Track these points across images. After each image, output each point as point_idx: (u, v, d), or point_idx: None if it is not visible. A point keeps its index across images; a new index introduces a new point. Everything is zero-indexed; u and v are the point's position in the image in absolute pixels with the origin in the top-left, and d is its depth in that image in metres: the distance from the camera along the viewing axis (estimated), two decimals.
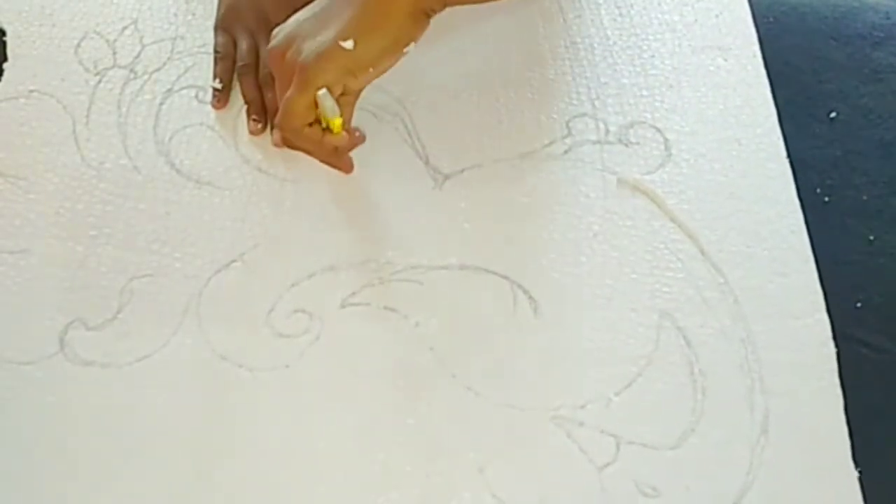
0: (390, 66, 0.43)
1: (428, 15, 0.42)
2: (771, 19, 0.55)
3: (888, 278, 0.45)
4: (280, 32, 0.44)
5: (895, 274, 0.45)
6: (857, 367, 0.42)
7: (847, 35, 0.54)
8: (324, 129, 0.45)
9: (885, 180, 0.48)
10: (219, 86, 0.50)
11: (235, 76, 0.51)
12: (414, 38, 0.42)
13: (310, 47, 0.41)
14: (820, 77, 0.52)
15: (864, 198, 0.47)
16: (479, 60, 0.53)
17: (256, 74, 0.50)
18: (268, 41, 0.50)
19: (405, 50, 0.43)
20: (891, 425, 0.41)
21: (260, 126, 0.49)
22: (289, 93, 0.42)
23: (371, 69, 0.42)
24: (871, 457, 0.39)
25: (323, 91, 0.42)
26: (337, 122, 0.43)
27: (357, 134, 0.46)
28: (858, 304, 0.43)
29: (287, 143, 0.48)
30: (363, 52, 0.41)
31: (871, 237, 0.46)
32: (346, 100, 0.44)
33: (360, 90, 0.44)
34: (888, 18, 0.55)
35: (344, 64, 0.41)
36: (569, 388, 0.42)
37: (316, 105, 0.42)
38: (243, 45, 0.50)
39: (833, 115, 0.51)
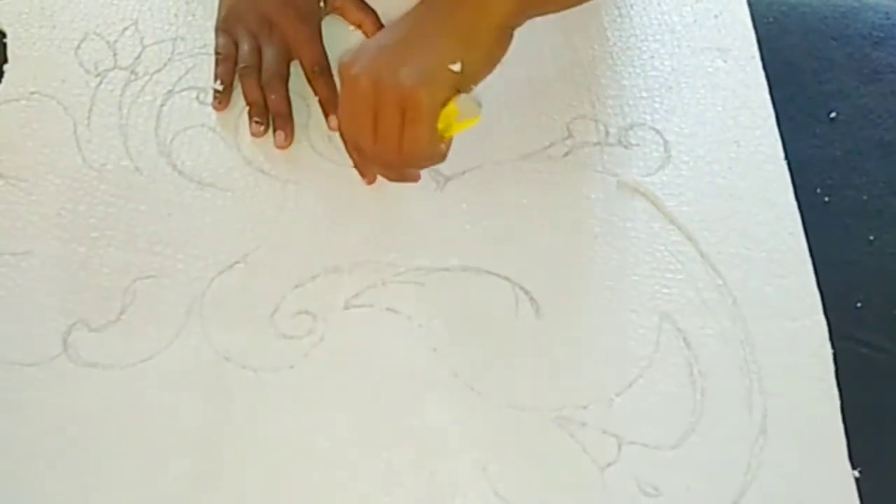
0: (483, 80, 0.42)
1: (513, 29, 0.42)
2: (771, 19, 0.55)
3: (888, 278, 0.45)
4: (358, 59, 0.40)
5: (895, 274, 0.45)
6: (856, 367, 0.42)
7: (847, 35, 0.54)
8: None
9: (885, 180, 0.49)
10: (220, 87, 0.50)
11: (237, 78, 0.51)
12: (505, 52, 0.42)
13: (412, 74, 0.39)
14: (820, 77, 0.53)
15: (864, 198, 0.48)
16: None
17: (259, 76, 0.50)
18: (272, 43, 0.50)
19: (495, 67, 0.42)
20: (890, 425, 0.41)
21: (262, 128, 0.49)
22: (408, 130, 0.40)
23: (472, 86, 0.42)
24: (870, 456, 0.40)
25: (464, 95, 0.41)
26: (476, 121, 0.42)
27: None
28: (858, 304, 0.44)
29: (364, 165, 0.46)
30: (468, 72, 0.40)
31: (871, 237, 0.46)
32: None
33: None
34: (888, 18, 0.55)
35: (452, 85, 0.40)
36: (571, 389, 0.42)
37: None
38: (245, 46, 0.50)
39: (833, 115, 0.51)
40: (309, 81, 0.50)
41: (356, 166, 0.47)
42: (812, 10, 0.56)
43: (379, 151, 0.41)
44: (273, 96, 0.49)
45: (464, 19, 0.40)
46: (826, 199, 0.48)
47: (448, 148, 0.42)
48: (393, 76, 0.39)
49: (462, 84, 0.41)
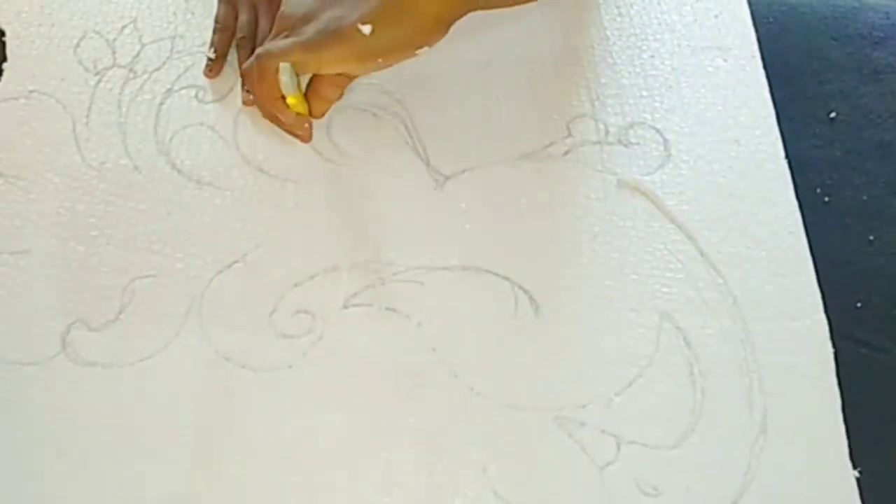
0: (396, 63, 0.43)
1: (449, 23, 0.42)
2: (771, 19, 0.55)
3: (888, 278, 0.45)
4: (294, 1, 0.43)
5: (895, 274, 0.45)
6: (856, 367, 0.42)
7: (847, 35, 0.54)
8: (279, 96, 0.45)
9: (885, 180, 0.49)
10: (212, 55, 0.50)
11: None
12: (430, 42, 0.42)
13: (326, 17, 0.40)
14: (820, 77, 0.52)
15: (864, 198, 0.48)
16: (480, 61, 0.53)
17: (254, 46, 0.49)
18: (269, 14, 0.50)
19: (417, 52, 0.42)
20: (891, 425, 0.41)
21: (252, 98, 0.49)
22: (286, 38, 0.41)
23: (379, 60, 0.42)
24: (870, 457, 0.40)
25: (287, 65, 0.41)
26: (292, 100, 0.43)
27: (307, 125, 0.46)
28: (858, 304, 0.44)
29: (245, 75, 0.47)
30: (379, 41, 0.40)
31: (871, 237, 0.46)
32: (339, 81, 0.44)
33: (354, 78, 0.44)
34: (888, 18, 0.55)
35: (354, 46, 0.40)
36: (570, 389, 0.42)
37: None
38: (244, 16, 0.50)
39: (833, 115, 0.51)
40: None
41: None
42: (812, 10, 0.56)
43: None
44: None
45: None
46: (826, 199, 0.47)
47: (288, 117, 0.45)
48: (312, 18, 0.41)
49: (366, 51, 0.41)
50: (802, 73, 0.53)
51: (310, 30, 0.41)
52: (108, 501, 0.39)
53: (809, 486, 0.40)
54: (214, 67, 0.50)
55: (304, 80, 0.46)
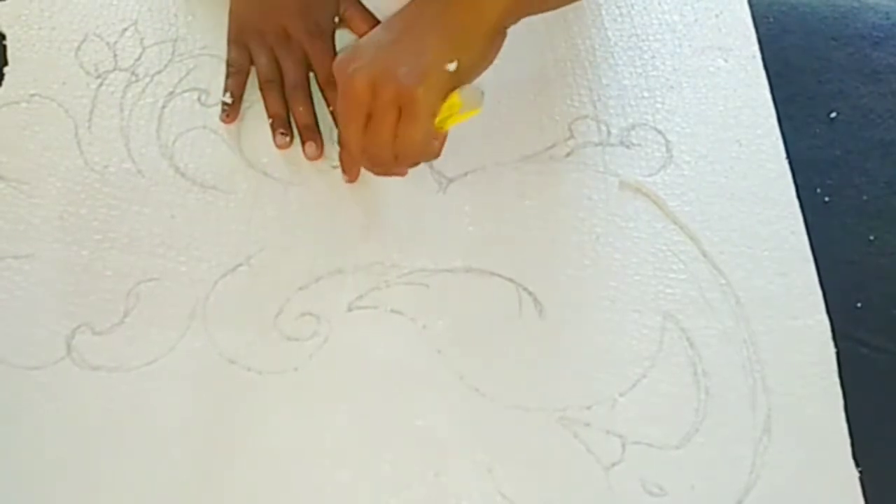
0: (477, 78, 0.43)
1: (506, 28, 0.42)
2: (771, 19, 0.55)
3: (888, 278, 0.45)
4: (354, 59, 0.40)
5: (895, 274, 0.45)
6: (857, 367, 0.42)
7: (847, 35, 0.54)
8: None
9: (885, 180, 0.49)
10: (229, 100, 0.49)
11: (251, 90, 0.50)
12: (498, 50, 0.42)
13: (409, 73, 0.39)
14: (820, 77, 0.53)
15: (864, 198, 0.48)
16: None
17: (281, 89, 0.49)
18: (289, 54, 0.49)
19: (487, 67, 0.42)
20: (891, 425, 0.41)
21: (288, 139, 0.48)
22: (403, 128, 0.39)
23: (467, 83, 0.42)
24: (871, 456, 0.40)
25: (468, 86, 0.41)
26: (477, 111, 0.42)
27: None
28: (858, 304, 0.44)
29: (351, 163, 0.46)
30: (463, 70, 0.40)
31: (871, 237, 0.46)
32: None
33: None
34: (888, 18, 0.55)
35: (448, 85, 0.40)
36: (575, 390, 0.42)
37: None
38: (262, 59, 0.50)
39: (833, 115, 0.51)
40: (323, 93, 0.50)
41: (341, 161, 0.47)
42: (812, 10, 0.56)
43: (371, 149, 0.41)
44: (301, 108, 0.49)
45: (456, 19, 0.40)
46: (826, 199, 0.48)
47: (442, 145, 0.42)
48: (390, 74, 0.39)
49: (457, 82, 0.41)
50: (802, 73, 0.53)
51: (403, 89, 0.38)
52: (115, 502, 0.39)
53: (814, 484, 0.40)
54: (231, 112, 0.49)
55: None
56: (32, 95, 0.50)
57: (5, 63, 0.51)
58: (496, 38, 0.42)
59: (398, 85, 0.38)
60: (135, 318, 0.43)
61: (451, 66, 0.39)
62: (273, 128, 0.49)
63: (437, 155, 0.43)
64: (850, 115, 0.51)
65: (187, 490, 0.39)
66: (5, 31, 0.52)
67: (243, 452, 0.40)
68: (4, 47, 0.52)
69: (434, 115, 0.40)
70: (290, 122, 0.49)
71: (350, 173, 0.47)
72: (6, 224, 0.46)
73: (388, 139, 0.40)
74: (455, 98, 0.40)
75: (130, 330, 0.43)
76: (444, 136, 0.42)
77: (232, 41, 0.51)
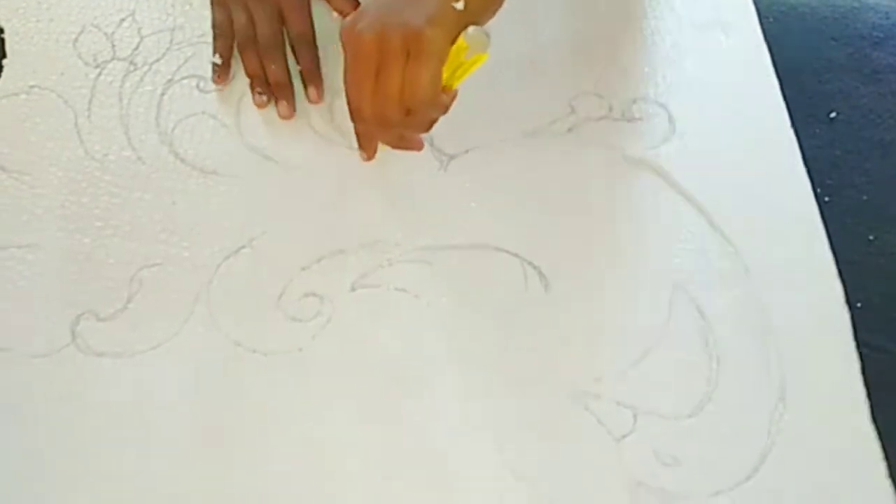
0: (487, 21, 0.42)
1: None
2: (771, 19, 0.54)
3: (888, 278, 0.45)
4: (360, 19, 0.40)
5: (895, 274, 0.45)
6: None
7: (847, 35, 0.54)
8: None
9: (885, 180, 0.48)
10: (218, 61, 0.49)
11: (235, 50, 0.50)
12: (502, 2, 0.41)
13: (416, 14, 0.38)
14: (820, 77, 0.52)
15: (864, 198, 0.47)
16: None
17: (257, 47, 0.49)
18: (262, 11, 0.49)
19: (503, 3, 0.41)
20: (892, 425, 0.40)
21: (265, 98, 0.48)
22: (411, 69, 0.38)
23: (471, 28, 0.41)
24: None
25: (473, 28, 0.40)
26: (484, 57, 0.41)
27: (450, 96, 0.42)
28: (858, 304, 0.43)
29: (366, 135, 0.45)
30: (471, 11, 0.39)
31: (871, 237, 0.46)
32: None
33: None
34: (888, 18, 0.55)
35: (456, 24, 0.39)
36: (584, 362, 0.42)
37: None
38: (241, 18, 0.50)
39: (833, 115, 0.50)
40: (293, 50, 0.50)
41: (358, 138, 0.46)
42: (812, 10, 0.55)
43: (381, 107, 0.40)
44: (272, 66, 0.49)
45: None
46: (826, 199, 0.47)
47: (452, 100, 0.41)
48: (396, 20, 0.38)
49: (465, 21, 0.40)
50: (802, 73, 0.52)
51: (409, 31, 0.38)
52: (121, 488, 0.39)
53: (832, 450, 0.39)
54: (222, 73, 0.50)
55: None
56: (32, 87, 0.50)
57: (3, 55, 0.51)
58: None
59: (405, 28, 0.38)
60: (138, 304, 0.43)
61: (459, 5, 0.39)
62: (251, 87, 0.49)
63: (446, 109, 0.41)
64: (850, 115, 0.51)
65: (194, 473, 0.39)
66: (3, 23, 0.53)
67: (250, 434, 0.40)
68: (3, 40, 0.52)
69: (443, 57, 0.39)
70: (268, 82, 0.49)
71: (367, 148, 0.46)
72: (9, 214, 0.46)
73: (397, 91, 0.39)
74: (461, 41, 0.40)
75: (134, 315, 0.43)
76: (454, 93, 0.41)
77: (214, 2, 0.51)
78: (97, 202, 0.46)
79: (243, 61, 0.50)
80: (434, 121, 0.43)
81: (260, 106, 0.48)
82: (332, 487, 0.39)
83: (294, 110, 0.49)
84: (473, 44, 0.40)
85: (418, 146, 0.45)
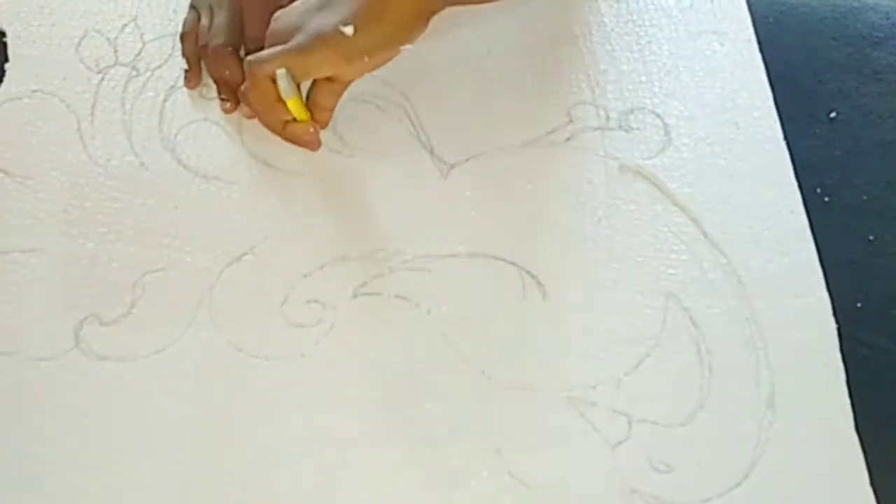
0: (384, 62, 0.43)
1: (428, 17, 0.43)
2: (771, 19, 0.55)
3: (888, 278, 0.45)
4: (282, 15, 0.44)
5: (895, 274, 0.45)
6: (857, 367, 0.42)
7: (847, 35, 0.54)
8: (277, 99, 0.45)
9: (885, 180, 0.49)
10: (185, 66, 0.50)
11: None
12: (411, 38, 0.43)
13: (311, 26, 0.41)
14: (820, 77, 0.53)
15: (864, 198, 0.48)
16: (480, 51, 0.53)
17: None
18: (220, 12, 0.50)
19: (401, 48, 0.43)
20: (892, 424, 0.41)
21: (228, 105, 0.49)
22: (277, 47, 0.42)
23: (366, 59, 0.42)
24: (875, 457, 0.40)
25: (283, 71, 0.42)
26: (291, 104, 0.44)
27: (311, 130, 0.47)
28: (858, 304, 0.44)
29: (245, 93, 0.47)
30: (361, 41, 0.41)
31: (871, 237, 0.46)
32: (334, 88, 0.44)
33: (351, 81, 0.45)
34: (888, 18, 0.55)
35: (341, 50, 0.41)
36: (580, 370, 0.42)
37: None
38: (205, 22, 0.50)
39: (833, 115, 0.51)
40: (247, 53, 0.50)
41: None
42: (812, 10, 0.56)
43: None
44: (226, 72, 0.49)
45: None
46: (826, 199, 0.48)
47: (298, 127, 0.45)
48: (298, 30, 0.41)
49: (351, 52, 0.41)
50: (802, 73, 0.53)
51: (297, 38, 0.42)
52: (123, 493, 0.39)
53: (818, 457, 0.40)
54: (191, 78, 0.50)
55: (304, 90, 0.46)
56: (34, 91, 0.50)
57: (6, 59, 0.52)
58: (410, 21, 0.42)
59: (296, 36, 0.41)
60: (142, 309, 0.44)
61: (347, 30, 0.40)
62: (217, 93, 0.49)
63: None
64: (850, 115, 0.51)
65: (197, 478, 0.40)
66: (5, 27, 0.53)
67: (252, 439, 0.41)
68: (5, 44, 0.52)
69: (303, 69, 0.42)
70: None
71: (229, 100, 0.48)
72: (12, 218, 0.46)
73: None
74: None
75: (138, 320, 0.43)
76: (303, 123, 0.45)
77: (190, 4, 0.52)
78: (100, 207, 0.47)
79: (207, 66, 0.50)
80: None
81: (226, 112, 0.49)
82: (334, 492, 0.39)
83: (235, 109, 0.49)
84: (281, 86, 0.43)
85: (311, 146, 0.47)
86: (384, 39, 0.42)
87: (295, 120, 0.46)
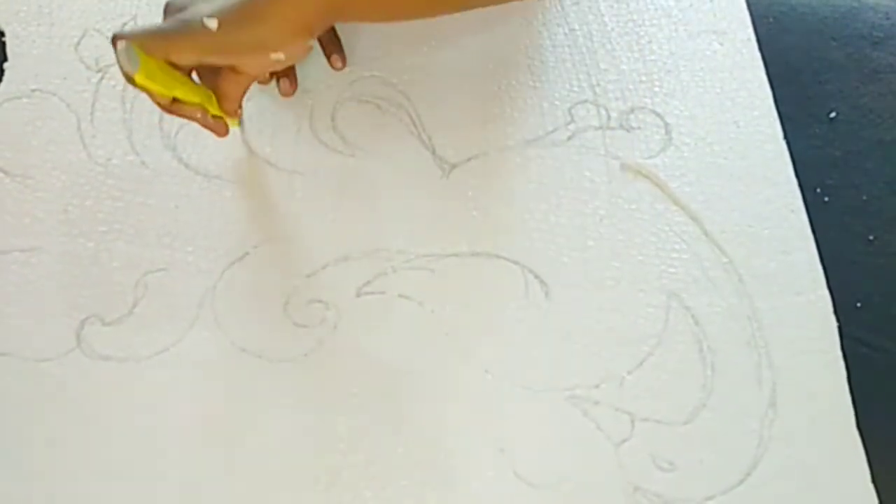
0: (255, 65, 0.42)
1: (307, 32, 0.41)
2: (771, 19, 0.55)
3: (888, 278, 0.45)
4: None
5: (895, 274, 0.45)
6: (857, 367, 0.43)
7: (847, 35, 0.54)
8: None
9: (885, 180, 0.49)
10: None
11: None
12: (283, 48, 0.41)
13: (189, 11, 0.40)
14: (820, 77, 0.53)
15: (864, 198, 0.48)
16: (480, 51, 0.53)
17: None
18: None
19: (272, 56, 0.41)
20: (892, 426, 0.41)
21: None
22: (134, 36, 0.40)
23: (233, 56, 0.41)
24: (875, 457, 0.40)
25: (122, 44, 0.40)
26: (139, 78, 0.41)
27: (199, 115, 0.44)
28: (858, 304, 0.44)
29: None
30: (224, 38, 0.40)
31: (871, 237, 0.47)
32: (236, 78, 0.42)
33: (252, 75, 0.43)
34: (888, 18, 0.55)
35: (202, 41, 0.40)
36: (583, 369, 0.43)
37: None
38: None
39: (833, 115, 0.51)
40: None
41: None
42: (812, 10, 0.55)
43: None
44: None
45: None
46: (826, 199, 0.48)
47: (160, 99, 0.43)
48: (179, 8, 0.41)
49: (214, 46, 0.40)
50: (802, 73, 0.53)
51: (174, 17, 0.41)
52: (125, 494, 0.39)
53: (820, 455, 0.41)
54: None
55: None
56: (34, 91, 0.50)
57: (5, 59, 0.51)
58: (284, 31, 0.40)
59: (178, 9, 0.40)
60: (144, 309, 0.44)
61: (211, 24, 0.39)
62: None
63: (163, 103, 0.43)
64: (850, 115, 0.51)
65: (199, 478, 0.40)
66: (4, 27, 0.52)
67: (255, 439, 0.41)
68: (4, 44, 0.52)
69: (171, 53, 0.40)
70: None
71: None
72: (12, 218, 0.46)
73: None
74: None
75: (140, 320, 0.43)
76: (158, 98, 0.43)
77: None
78: (101, 206, 0.47)
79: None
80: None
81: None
82: (337, 491, 0.39)
83: (295, 86, 0.49)
84: (119, 57, 0.40)
85: (218, 132, 0.45)
86: (251, 42, 0.40)
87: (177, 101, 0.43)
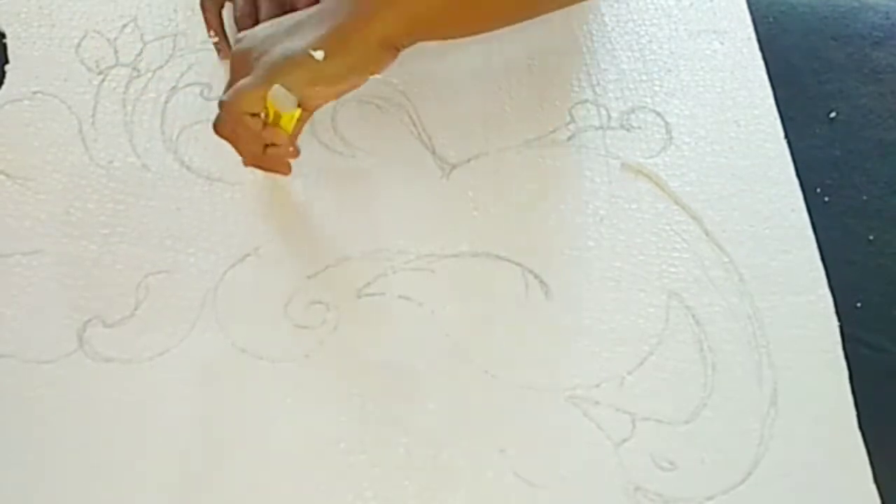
0: (350, 89, 0.43)
1: (397, 49, 0.42)
2: (771, 19, 0.55)
3: (888, 278, 0.45)
4: (247, 36, 0.43)
5: (895, 274, 0.45)
6: (856, 367, 0.42)
7: (847, 35, 0.54)
8: (266, 124, 0.43)
9: (885, 180, 0.49)
10: (215, 38, 0.51)
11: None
12: (379, 68, 0.42)
13: (279, 49, 0.41)
14: (820, 77, 0.53)
15: (864, 198, 0.48)
16: (481, 51, 0.53)
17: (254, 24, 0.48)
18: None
19: (369, 77, 0.42)
20: (892, 426, 0.41)
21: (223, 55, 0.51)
22: (245, 80, 0.41)
23: (332, 86, 0.42)
24: (875, 457, 0.40)
25: (277, 86, 0.41)
26: (288, 117, 0.42)
27: (292, 149, 0.45)
28: (858, 304, 0.44)
29: (220, 130, 0.44)
30: (329, 67, 0.41)
31: (871, 237, 0.47)
32: (301, 115, 0.43)
33: (315, 108, 0.44)
34: (888, 18, 0.55)
35: (308, 72, 0.41)
36: (583, 369, 0.43)
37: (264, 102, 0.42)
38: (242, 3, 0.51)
39: (833, 115, 0.51)
40: None
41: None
42: (812, 10, 0.56)
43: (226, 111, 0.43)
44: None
45: (344, 21, 0.41)
46: (826, 199, 0.48)
47: (279, 138, 0.43)
48: (264, 51, 0.41)
49: (319, 76, 0.41)
50: (802, 73, 0.53)
51: (265, 62, 0.41)
52: (126, 494, 0.40)
53: (821, 454, 0.41)
54: (223, 48, 0.51)
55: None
56: (35, 93, 0.50)
57: (6, 61, 0.51)
58: (380, 53, 0.42)
59: (263, 56, 0.41)
60: (145, 310, 0.44)
61: (317, 54, 0.40)
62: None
63: (284, 144, 0.44)
64: (850, 115, 0.51)
65: (200, 479, 0.40)
66: (5, 29, 0.53)
67: (256, 440, 0.41)
68: (5, 45, 0.52)
69: (262, 91, 0.41)
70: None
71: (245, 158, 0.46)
72: (13, 221, 0.46)
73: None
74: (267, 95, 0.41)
75: (141, 322, 0.43)
76: (286, 136, 0.43)
77: None
78: (102, 209, 0.47)
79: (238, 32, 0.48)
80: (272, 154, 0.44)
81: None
82: (337, 492, 0.40)
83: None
84: (277, 102, 0.41)
85: (283, 171, 0.46)
86: (351, 67, 0.42)
87: (272, 145, 0.44)
